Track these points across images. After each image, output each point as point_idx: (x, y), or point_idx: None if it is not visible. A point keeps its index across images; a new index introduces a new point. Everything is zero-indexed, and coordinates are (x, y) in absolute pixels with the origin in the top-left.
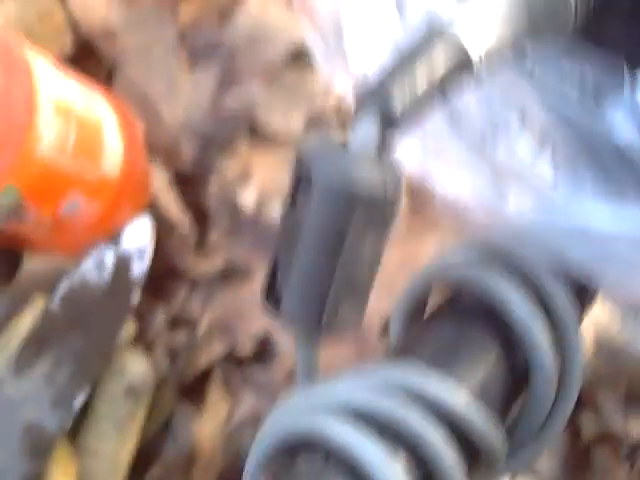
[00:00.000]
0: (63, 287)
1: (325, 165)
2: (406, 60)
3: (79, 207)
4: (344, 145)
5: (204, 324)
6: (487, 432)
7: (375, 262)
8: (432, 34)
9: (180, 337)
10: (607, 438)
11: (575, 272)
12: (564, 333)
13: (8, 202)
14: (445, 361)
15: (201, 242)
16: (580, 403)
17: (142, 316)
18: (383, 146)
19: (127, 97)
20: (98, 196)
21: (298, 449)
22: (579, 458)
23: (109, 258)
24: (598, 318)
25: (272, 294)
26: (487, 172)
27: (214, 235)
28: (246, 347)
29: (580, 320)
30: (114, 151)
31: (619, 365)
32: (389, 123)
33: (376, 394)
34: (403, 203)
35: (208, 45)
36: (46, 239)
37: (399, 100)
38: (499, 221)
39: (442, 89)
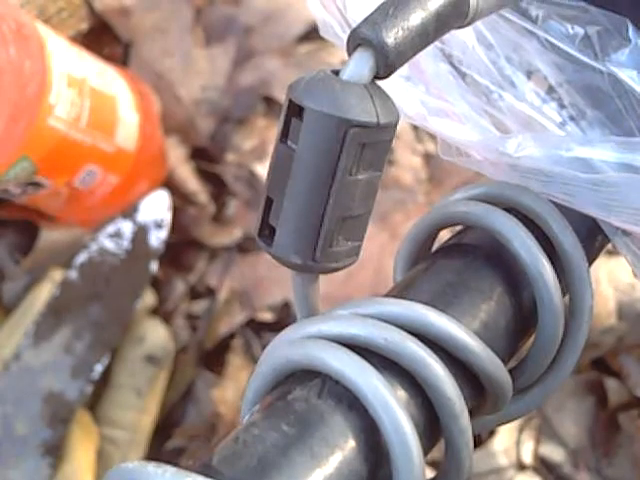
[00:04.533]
0: (81, 257)
1: (317, 92)
2: None
3: (95, 179)
4: (337, 75)
5: (224, 293)
6: (489, 365)
7: (370, 194)
8: None
9: (200, 306)
10: (633, 404)
11: (583, 211)
12: (572, 272)
13: (22, 173)
14: (448, 296)
15: (219, 214)
16: (605, 369)
17: (162, 286)
18: (376, 76)
19: (143, 74)
20: (114, 168)
21: (294, 378)
22: (605, 424)
23: (127, 228)
24: (619, 283)
25: (265, 229)
26: (493, 115)
27: (232, 207)
28: (265, 315)
29: (591, 260)
30: (129, 125)
31: None
32: (382, 53)
33: (374, 327)
34: (422, 174)
35: (223, 22)
36: (63, 211)
37: (391, 30)
38: (504, 161)
39: (437, 24)
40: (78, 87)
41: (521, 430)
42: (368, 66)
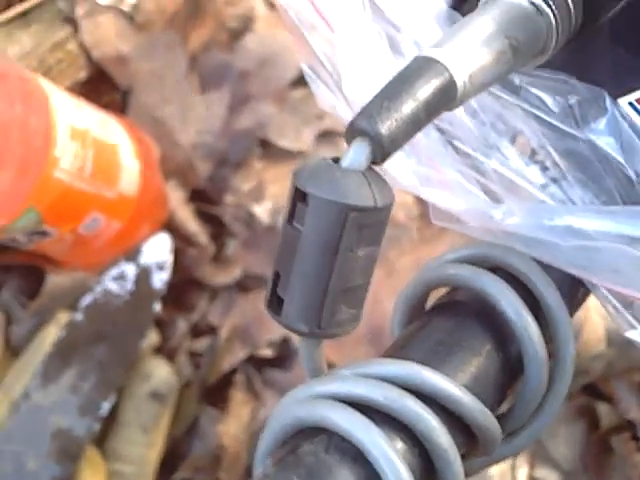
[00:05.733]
0: (86, 300)
1: (319, 180)
2: (392, 86)
3: (99, 225)
4: (337, 163)
5: (225, 331)
6: (479, 416)
7: (369, 266)
8: (418, 62)
9: (202, 344)
10: (624, 427)
11: (565, 270)
12: (555, 325)
13: (29, 223)
14: (440, 354)
15: (219, 254)
16: (596, 394)
17: (165, 326)
18: (373, 163)
19: (141, 121)
20: (117, 214)
21: (302, 435)
22: (598, 447)
23: (130, 271)
24: None
25: (274, 301)
26: (479, 182)
27: (231, 247)
28: (266, 351)
29: (572, 312)
30: (131, 171)
31: (632, 356)
32: (377, 143)
33: (375, 387)
34: (414, 211)
35: (219, 68)
36: (68, 256)
37: (385, 122)
38: (491, 225)
39: (428, 112)
40: (81, 139)
41: (516, 455)
42: (365, 155)
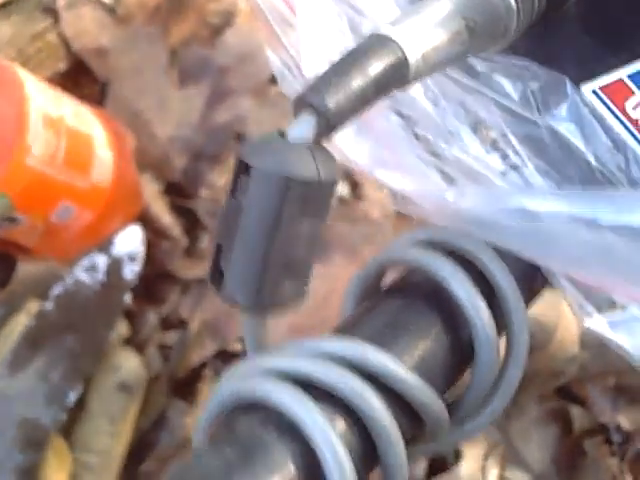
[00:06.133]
0: (57, 289)
1: (263, 152)
2: (343, 62)
3: (71, 214)
4: (282, 136)
5: (195, 324)
6: (423, 397)
7: (313, 241)
8: (371, 39)
9: (172, 337)
10: (597, 430)
11: (521, 256)
12: (509, 311)
13: (0, 209)
14: (388, 334)
15: (192, 247)
16: (570, 397)
17: (135, 317)
18: (319, 137)
19: (119, 113)
20: (89, 204)
21: (240, 410)
22: (570, 450)
23: (101, 262)
24: None
25: (216, 274)
26: (439, 167)
27: (204, 241)
28: (236, 346)
29: (529, 300)
30: (104, 162)
31: (606, 358)
32: (324, 117)
33: (315, 363)
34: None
35: (199, 63)
36: (39, 245)
37: (333, 96)
38: (447, 210)
39: (377, 88)
40: (55, 127)
41: (486, 456)
42: (311, 128)
